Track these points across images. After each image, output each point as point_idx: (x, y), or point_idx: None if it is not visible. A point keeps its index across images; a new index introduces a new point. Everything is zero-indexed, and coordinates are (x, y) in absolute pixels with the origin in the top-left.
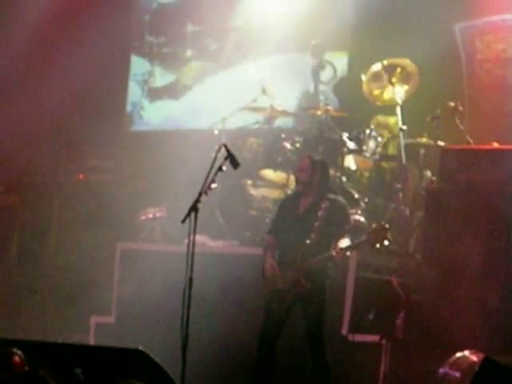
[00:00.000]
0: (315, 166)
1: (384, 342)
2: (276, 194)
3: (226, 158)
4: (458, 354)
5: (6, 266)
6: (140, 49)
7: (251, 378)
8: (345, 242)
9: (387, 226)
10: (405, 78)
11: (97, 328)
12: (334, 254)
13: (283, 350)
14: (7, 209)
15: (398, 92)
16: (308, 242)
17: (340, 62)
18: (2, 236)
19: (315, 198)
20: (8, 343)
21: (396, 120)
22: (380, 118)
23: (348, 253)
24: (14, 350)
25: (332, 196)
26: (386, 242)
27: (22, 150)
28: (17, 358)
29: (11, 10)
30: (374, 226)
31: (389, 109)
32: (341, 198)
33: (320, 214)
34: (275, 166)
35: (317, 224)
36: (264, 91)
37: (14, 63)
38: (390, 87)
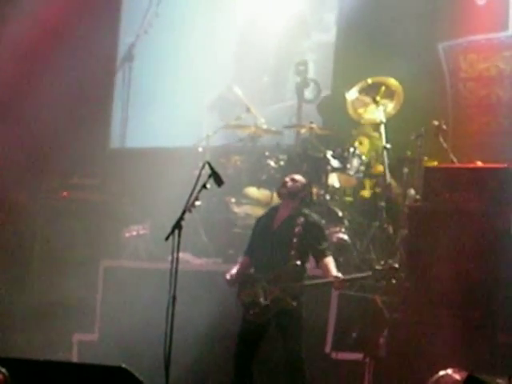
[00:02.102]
0: (307, 184)
1: (367, 360)
2: (260, 211)
3: (209, 176)
4: (442, 373)
5: None
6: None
7: None
8: (338, 272)
9: (396, 265)
10: (389, 97)
11: (80, 345)
12: (333, 281)
13: (262, 365)
14: None
15: (381, 110)
16: (298, 262)
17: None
18: None
19: (292, 212)
20: None
21: (379, 138)
22: (362, 128)
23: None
24: None
25: (307, 211)
26: (394, 281)
27: (4, 168)
28: (0, 376)
29: None
30: (381, 263)
31: (373, 127)
32: (315, 214)
33: (297, 230)
34: (259, 184)
35: (295, 240)
36: (248, 109)
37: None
38: (373, 105)
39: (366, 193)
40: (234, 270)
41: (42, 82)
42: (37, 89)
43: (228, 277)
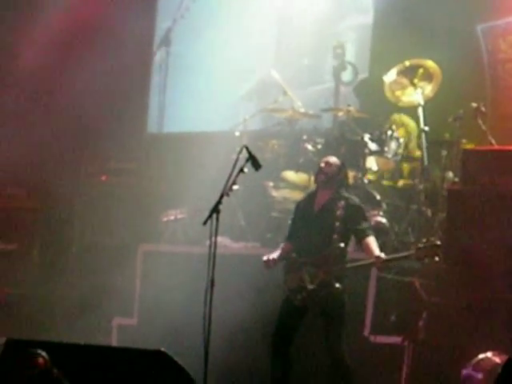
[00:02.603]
0: (342, 165)
1: (406, 343)
2: (297, 195)
3: (247, 160)
4: (481, 356)
5: (28, 269)
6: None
7: (270, 380)
8: (381, 252)
9: (438, 242)
10: (427, 79)
11: (119, 330)
12: (374, 261)
13: (301, 349)
14: (30, 211)
15: (419, 93)
16: (341, 245)
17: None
18: (25, 239)
19: (331, 195)
20: (33, 344)
21: (414, 119)
22: (396, 116)
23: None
24: (39, 351)
25: (346, 194)
26: (437, 259)
27: (44, 152)
28: (40, 359)
29: (38, 12)
30: (423, 240)
31: (410, 110)
32: (354, 197)
33: (338, 213)
34: (297, 168)
35: (337, 224)
36: (285, 93)
37: (40, 66)
38: (411, 88)
39: (404, 182)
40: (275, 255)
41: (80, 68)
42: (75, 75)
43: (265, 258)
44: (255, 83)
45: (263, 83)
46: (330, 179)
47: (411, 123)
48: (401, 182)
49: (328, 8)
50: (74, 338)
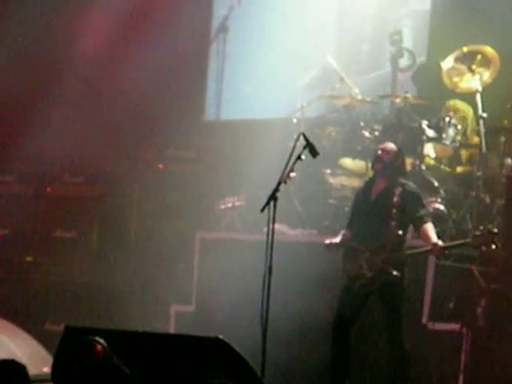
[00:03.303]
0: (400, 151)
1: (465, 330)
2: (355, 182)
3: (304, 147)
4: None
5: (88, 256)
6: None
7: (329, 367)
8: (438, 239)
9: (495, 230)
10: (485, 65)
11: (177, 317)
12: (432, 249)
13: (360, 336)
14: (88, 199)
15: (477, 79)
16: (399, 232)
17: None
18: (84, 226)
19: (389, 183)
20: (92, 332)
21: (471, 105)
22: (452, 102)
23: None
24: (97, 338)
25: (403, 181)
26: (494, 247)
27: (102, 140)
28: (99, 347)
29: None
30: (481, 228)
31: (468, 96)
32: (412, 183)
33: (395, 200)
34: (354, 155)
35: (394, 211)
36: (342, 79)
37: (99, 53)
38: (469, 74)
39: (462, 168)
40: (336, 239)
41: (138, 55)
42: (134, 63)
43: (327, 241)
44: (318, 71)
45: (325, 71)
46: (387, 166)
47: (466, 108)
48: (459, 169)
49: None
50: (133, 326)
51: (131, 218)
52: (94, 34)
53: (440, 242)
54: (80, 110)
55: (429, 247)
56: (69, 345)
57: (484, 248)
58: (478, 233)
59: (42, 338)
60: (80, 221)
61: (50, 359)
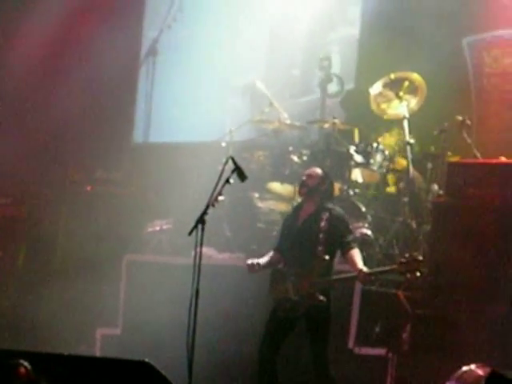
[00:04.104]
0: (326, 176)
1: (390, 355)
2: (283, 206)
3: (233, 171)
4: (465, 368)
5: (13, 277)
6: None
7: None
8: (364, 266)
9: (420, 257)
10: (412, 92)
11: (103, 340)
12: (357, 275)
13: (287, 361)
14: (15, 220)
15: (405, 106)
16: (326, 257)
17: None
18: (10, 247)
19: (316, 207)
20: (15, 354)
21: (399, 132)
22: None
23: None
24: (21, 361)
25: (331, 206)
26: (418, 274)
27: (30, 161)
28: (22, 369)
29: (26, 23)
30: (406, 255)
31: (396, 123)
32: (339, 208)
33: (322, 225)
34: (282, 179)
35: (321, 236)
36: (271, 104)
37: (23, 75)
38: (397, 101)
39: (391, 189)
40: (260, 260)
41: (67, 77)
42: (62, 84)
43: (249, 262)
44: (248, 95)
45: (255, 95)
46: (312, 191)
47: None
48: (386, 192)
49: (318, 19)
50: (58, 349)
51: (58, 240)
52: (20, 54)
53: (365, 269)
54: (7, 130)
55: (355, 273)
56: None
57: (409, 275)
58: (403, 260)
59: None
60: (7, 241)
61: None
